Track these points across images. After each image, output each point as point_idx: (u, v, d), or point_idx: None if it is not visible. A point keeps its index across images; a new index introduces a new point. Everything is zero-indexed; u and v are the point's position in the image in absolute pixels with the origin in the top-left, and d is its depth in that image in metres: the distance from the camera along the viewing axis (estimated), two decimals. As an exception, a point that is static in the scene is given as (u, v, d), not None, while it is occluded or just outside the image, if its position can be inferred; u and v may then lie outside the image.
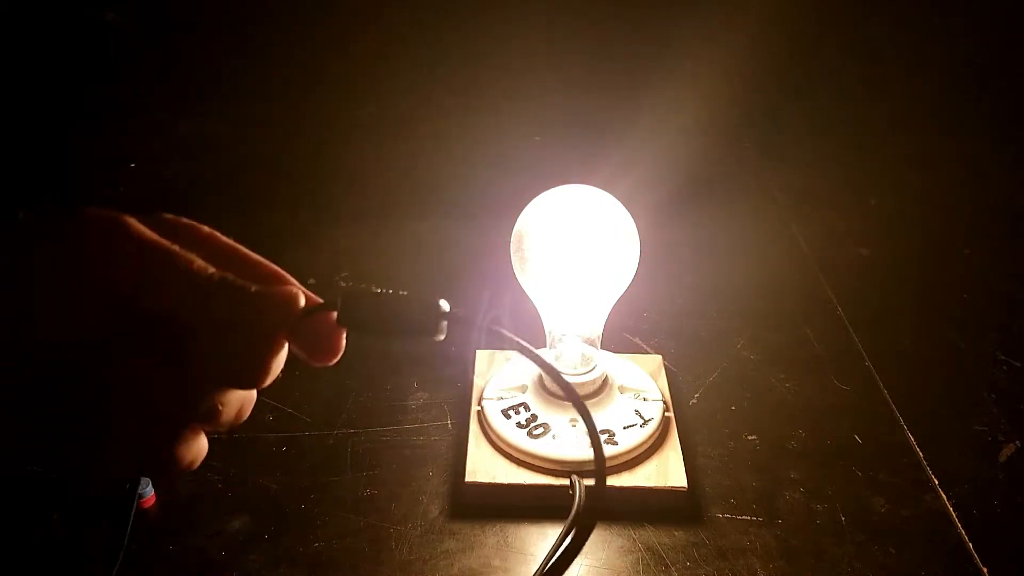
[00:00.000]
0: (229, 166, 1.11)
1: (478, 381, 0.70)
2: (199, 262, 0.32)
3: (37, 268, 0.31)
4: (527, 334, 0.72)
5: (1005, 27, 1.38)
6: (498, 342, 0.75)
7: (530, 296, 0.65)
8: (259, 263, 0.37)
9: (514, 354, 0.72)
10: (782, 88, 1.32)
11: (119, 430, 0.32)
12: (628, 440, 0.62)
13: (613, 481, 0.61)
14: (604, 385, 0.66)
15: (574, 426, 0.63)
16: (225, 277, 0.32)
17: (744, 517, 0.61)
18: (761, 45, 1.27)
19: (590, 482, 0.60)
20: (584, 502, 0.58)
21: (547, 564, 0.56)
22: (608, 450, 0.61)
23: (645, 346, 0.78)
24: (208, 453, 0.66)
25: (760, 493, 0.63)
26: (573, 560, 0.39)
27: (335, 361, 0.36)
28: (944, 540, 0.60)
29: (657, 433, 0.64)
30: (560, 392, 0.65)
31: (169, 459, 0.33)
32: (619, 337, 0.78)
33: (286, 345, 0.34)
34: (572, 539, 0.54)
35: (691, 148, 1.07)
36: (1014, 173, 1.10)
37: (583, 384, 0.64)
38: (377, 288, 0.37)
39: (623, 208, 0.63)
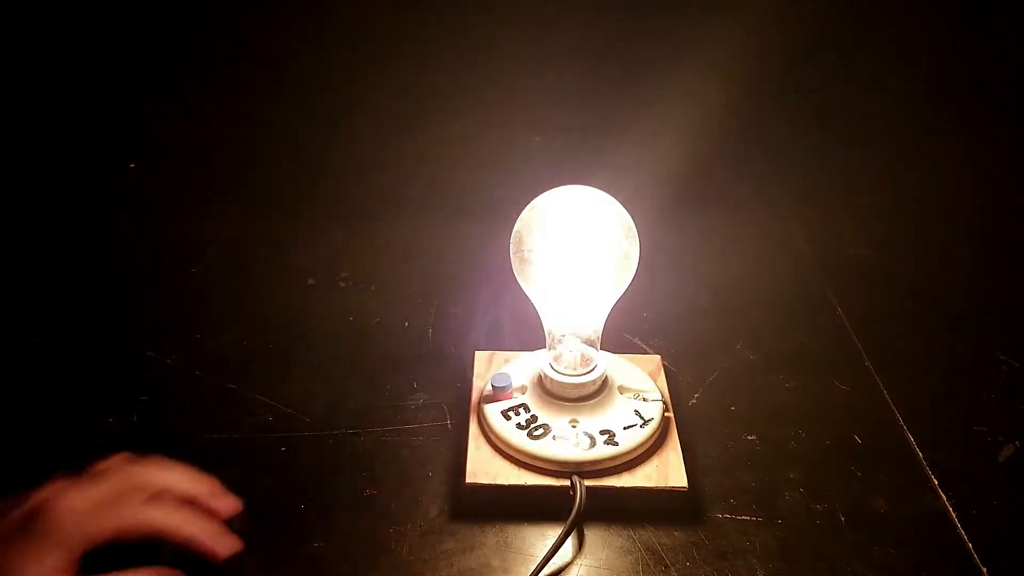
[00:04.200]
0: (229, 166, 1.11)
1: (477, 382, 0.70)
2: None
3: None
4: (527, 334, 0.73)
5: (1005, 26, 1.38)
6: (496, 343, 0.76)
7: (530, 297, 0.65)
8: None
9: (514, 354, 0.72)
10: (782, 88, 1.32)
11: None
12: (628, 440, 0.62)
13: (613, 481, 0.61)
14: (604, 385, 0.66)
15: (574, 427, 0.63)
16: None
17: (744, 517, 0.61)
18: (761, 45, 1.27)
19: (591, 482, 0.60)
20: (584, 502, 0.58)
21: (544, 564, 0.56)
22: (608, 450, 0.61)
23: (645, 346, 0.78)
24: (208, 454, 0.66)
25: (760, 493, 0.63)
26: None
27: None
28: (944, 540, 0.60)
29: (657, 433, 0.64)
30: (561, 393, 0.65)
31: None
32: (619, 337, 0.78)
33: None
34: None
35: (691, 148, 1.07)
36: (1014, 173, 1.10)
37: (583, 384, 0.64)
38: None
39: (623, 209, 0.63)
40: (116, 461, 0.54)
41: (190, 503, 0.54)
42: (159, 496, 0.53)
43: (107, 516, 0.50)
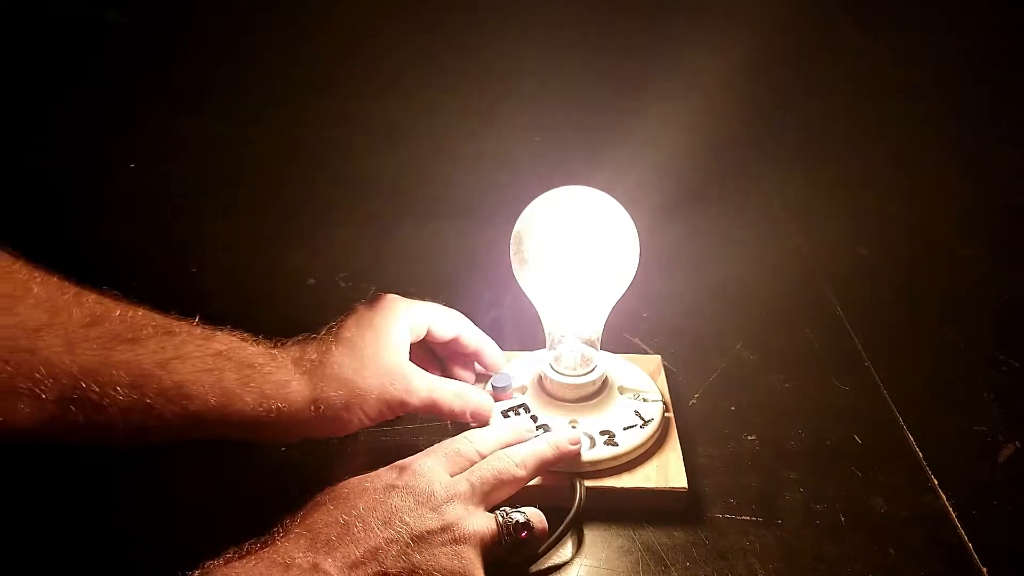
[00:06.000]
0: (229, 166, 1.11)
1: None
2: None
3: None
4: (527, 335, 0.73)
5: (1003, 27, 1.38)
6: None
7: (530, 297, 0.65)
8: None
9: (514, 355, 0.72)
10: (782, 88, 1.32)
11: None
12: (628, 441, 0.62)
13: (614, 482, 0.61)
14: (604, 386, 0.66)
15: (574, 427, 0.63)
16: None
17: (744, 517, 0.61)
18: (761, 46, 1.27)
19: (591, 483, 0.60)
20: (584, 502, 0.58)
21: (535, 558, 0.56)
22: (608, 451, 0.61)
23: (645, 346, 0.78)
24: (208, 455, 0.66)
25: (760, 493, 0.63)
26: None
27: None
28: (944, 540, 0.60)
29: (657, 434, 0.64)
30: (561, 394, 0.65)
31: None
32: (619, 337, 0.78)
33: None
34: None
35: (691, 148, 1.07)
36: (1012, 172, 1.10)
37: (583, 385, 0.64)
38: None
39: (623, 209, 0.63)
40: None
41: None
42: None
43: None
